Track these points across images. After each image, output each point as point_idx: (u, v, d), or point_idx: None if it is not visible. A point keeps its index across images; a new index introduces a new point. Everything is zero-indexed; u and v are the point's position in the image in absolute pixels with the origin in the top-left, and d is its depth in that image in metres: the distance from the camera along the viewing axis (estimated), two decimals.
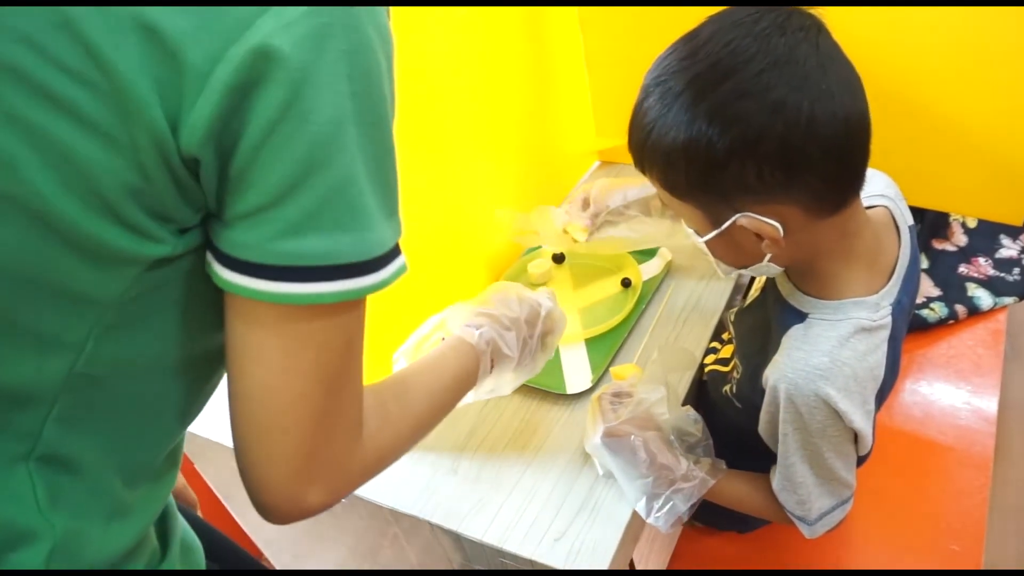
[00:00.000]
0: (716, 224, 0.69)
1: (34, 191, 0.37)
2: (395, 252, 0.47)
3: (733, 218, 0.67)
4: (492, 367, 0.75)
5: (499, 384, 0.79)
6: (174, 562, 0.55)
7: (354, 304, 0.46)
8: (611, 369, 0.94)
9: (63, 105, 0.36)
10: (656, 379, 0.85)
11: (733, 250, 0.72)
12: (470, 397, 0.75)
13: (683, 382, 0.97)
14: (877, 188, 0.80)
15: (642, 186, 1.13)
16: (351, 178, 0.42)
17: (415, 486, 0.90)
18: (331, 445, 0.48)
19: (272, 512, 0.48)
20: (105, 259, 0.40)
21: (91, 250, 0.39)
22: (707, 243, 0.73)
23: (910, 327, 0.98)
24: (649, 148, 0.67)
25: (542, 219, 1.15)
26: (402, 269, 0.48)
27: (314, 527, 1.10)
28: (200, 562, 0.60)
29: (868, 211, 0.76)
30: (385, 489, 0.90)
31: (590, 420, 0.85)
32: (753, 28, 0.62)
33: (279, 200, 0.40)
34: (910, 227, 0.79)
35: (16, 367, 0.41)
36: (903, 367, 1.17)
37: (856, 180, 0.67)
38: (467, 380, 0.71)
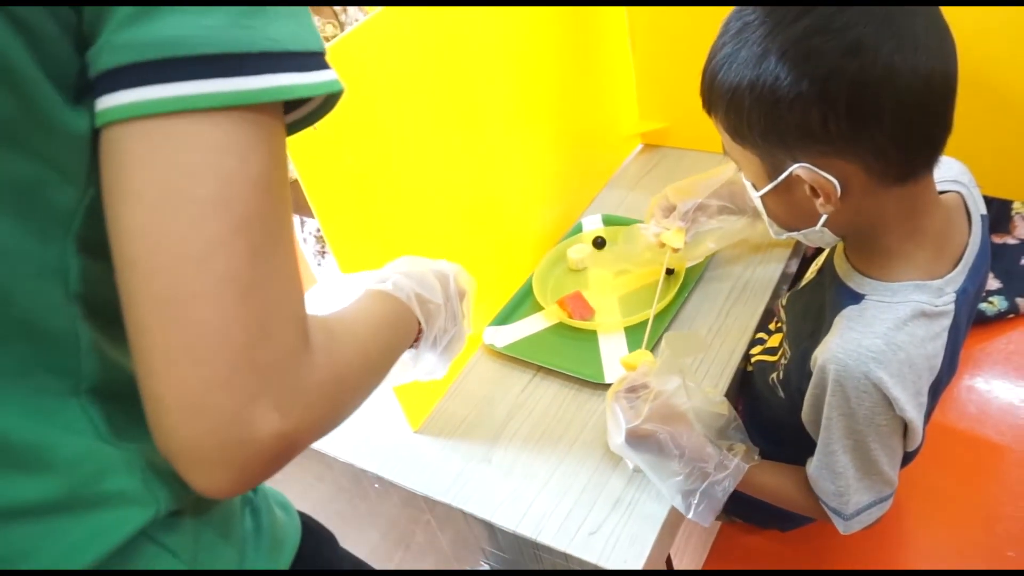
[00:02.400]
0: (774, 175, 0.66)
1: None
2: (306, 58, 0.36)
3: (791, 168, 0.64)
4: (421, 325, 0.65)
5: (431, 358, 0.70)
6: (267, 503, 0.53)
7: (255, 120, 0.34)
8: (620, 360, 0.90)
9: None
10: (670, 368, 0.82)
11: (788, 207, 0.69)
12: (408, 373, 0.69)
13: (724, 375, 0.94)
14: (951, 173, 0.76)
15: (713, 178, 1.06)
16: None
17: (449, 474, 0.88)
18: (273, 338, 0.35)
19: (202, 451, 0.34)
20: (34, 151, 0.35)
21: (23, 143, 0.34)
22: (763, 199, 0.70)
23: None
24: (717, 85, 0.65)
25: (633, 241, 1.07)
26: (326, 86, 0.37)
27: (347, 509, 1.09)
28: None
29: (941, 195, 0.72)
30: (419, 476, 0.89)
31: (610, 419, 0.82)
32: None
33: None
34: (982, 216, 0.74)
35: (20, 297, 0.37)
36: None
37: (930, 149, 0.63)
38: (399, 319, 0.60)
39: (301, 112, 0.40)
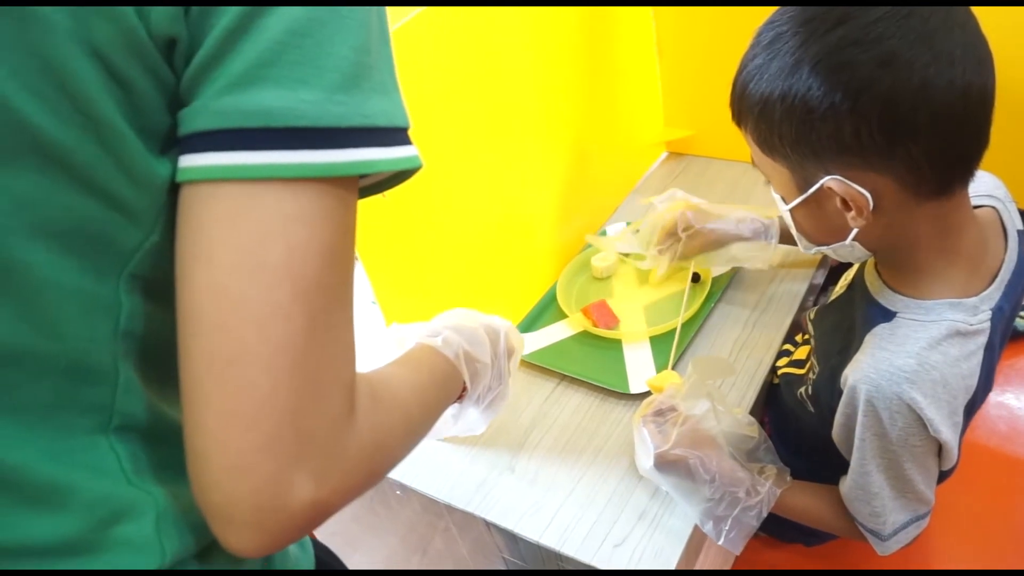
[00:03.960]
0: (804, 188, 0.65)
1: (26, 123, 0.32)
2: (392, 133, 0.37)
3: (822, 180, 0.63)
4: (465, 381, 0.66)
5: (473, 415, 0.71)
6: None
7: (332, 192, 0.35)
8: (647, 381, 0.90)
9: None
10: (697, 392, 0.81)
11: (818, 220, 0.68)
12: (448, 429, 0.69)
13: (751, 387, 0.93)
14: (985, 188, 0.74)
15: (734, 220, 1.03)
16: (315, 20, 0.34)
17: (472, 482, 0.88)
18: (320, 407, 0.36)
19: (238, 510, 0.35)
20: (108, 195, 0.36)
21: (98, 187, 0.35)
22: (792, 213, 0.69)
23: None
24: (747, 96, 0.64)
25: (651, 227, 1.05)
26: (406, 162, 0.38)
27: (367, 515, 1.09)
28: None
29: (975, 210, 0.71)
30: (441, 484, 0.88)
31: (638, 443, 0.81)
32: None
33: (223, 50, 0.33)
34: (1019, 231, 0.73)
35: (68, 332, 0.38)
36: None
37: (965, 165, 0.62)
38: (445, 380, 0.62)
39: (375, 178, 0.41)
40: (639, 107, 1.31)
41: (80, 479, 0.39)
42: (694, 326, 1.00)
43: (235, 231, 0.34)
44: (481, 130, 0.91)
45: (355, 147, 0.36)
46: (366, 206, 0.75)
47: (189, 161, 0.35)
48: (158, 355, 0.40)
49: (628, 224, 1.21)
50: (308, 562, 0.58)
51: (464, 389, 0.64)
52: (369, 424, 0.40)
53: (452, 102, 0.85)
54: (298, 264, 0.34)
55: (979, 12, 0.89)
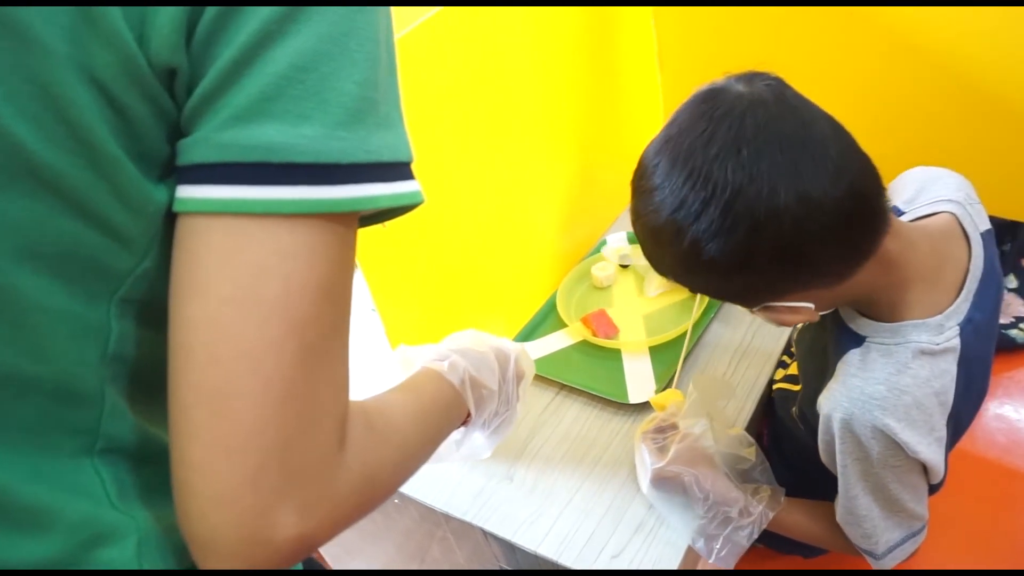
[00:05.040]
0: (746, 306, 0.68)
1: (20, 147, 0.32)
2: (394, 168, 0.37)
3: (759, 307, 0.66)
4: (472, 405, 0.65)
5: (479, 439, 0.70)
6: None
7: (330, 228, 0.35)
8: (650, 399, 0.90)
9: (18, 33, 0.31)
10: (697, 411, 0.81)
11: (775, 317, 0.68)
12: (452, 454, 0.68)
13: (750, 399, 0.92)
14: (942, 192, 0.73)
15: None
16: (321, 55, 0.34)
17: (469, 491, 0.88)
18: (307, 442, 0.35)
19: (222, 542, 0.34)
20: (101, 221, 0.35)
21: (92, 213, 0.35)
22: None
23: (996, 347, 0.91)
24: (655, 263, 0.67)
25: None
26: (408, 197, 0.38)
27: (365, 523, 1.09)
28: None
29: (926, 220, 0.71)
30: (439, 492, 0.88)
31: (638, 460, 0.81)
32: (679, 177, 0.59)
33: (226, 83, 0.33)
34: (984, 232, 0.72)
35: (55, 355, 0.37)
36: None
37: (871, 236, 0.61)
38: (448, 407, 0.61)
39: (376, 209, 0.40)
40: (640, 115, 1.31)
41: (63, 501, 0.39)
42: (694, 335, 1.00)
43: (230, 265, 0.34)
44: (482, 137, 0.91)
45: (356, 183, 0.35)
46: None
47: (187, 192, 0.35)
48: (147, 377, 0.40)
49: (628, 234, 1.21)
50: None
51: (468, 415, 0.63)
52: (361, 458, 0.40)
53: (454, 109, 0.85)
54: (293, 300, 0.34)
55: (979, 12, 0.89)
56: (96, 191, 0.35)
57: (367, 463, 0.40)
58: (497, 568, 0.92)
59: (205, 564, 0.36)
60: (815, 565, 0.99)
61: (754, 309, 0.67)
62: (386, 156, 0.37)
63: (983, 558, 0.98)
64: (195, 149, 0.34)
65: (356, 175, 0.35)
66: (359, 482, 0.39)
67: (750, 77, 0.60)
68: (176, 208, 0.35)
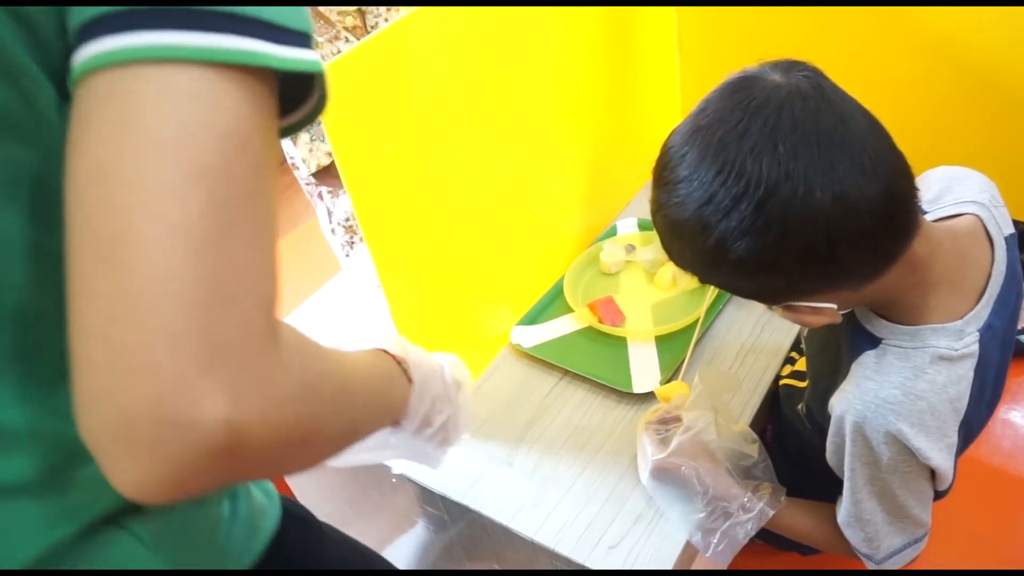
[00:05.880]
0: (768, 304, 0.68)
1: None
2: (289, 33, 0.34)
3: (780, 306, 0.65)
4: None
5: (429, 433, 0.62)
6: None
7: (239, 83, 0.32)
8: (655, 391, 0.88)
9: None
10: (702, 404, 0.80)
11: (797, 317, 0.66)
12: (403, 451, 0.64)
13: (756, 393, 0.91)
14: (967, 193, 0.71)
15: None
16: None
17: (468, 475, 0.87)
18: (230, 312, 0.30)
19: (133, 425, 0.29)
20: (40, 144, 0.35)
21: (27, 136, 0.34)
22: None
23: None
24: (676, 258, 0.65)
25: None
26: (303, 64, 0.34)
27: (361, 496, 1.08)
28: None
29: (951, 221, 0.69)
30: (437, 474, 0.87)
31: (639, 451, 0.80)
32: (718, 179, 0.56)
33: None
34: (1008, 236, 0.70)
35: (20, 280, 0.37)
36: None
37: (898, 243, 0.60)
38: (388, 371, 0.55)
39: (297, 116, 0.38)
40: (656, 102, 1.29)
41: (43, 423, 0.39)
42: (702, 329, 0.99)
43: (121, 108, 0.30)
44: (493, 120, 0.89)
45: (237, 34, 0.32)
46: (375, 188, 0.74)
47: (72, 64, 0.31)
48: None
49: (639, 220, 1.20)
50: (275, 511, 0.57)
51: (406, 409, 0.58)
52: (298, 360, 0.34)
53: (464, 91, 0.83)
54: (191, 143, 0.30)
55: (979, 12, 0.87)
56: (25, 112, 0.35)
57: (306, 369, 0.35)
58: (493, 553, 0.91)
59: (111, 466, 0.30)
60: (812, 563, 0.99)
61: (774, 307, 0.65)
62: (279, 19, 0.33)
63: (986, 563, 0.97)
64: (76, 17, 0.31)
65: (235, 27, 0.32)
66: (299, 385, 0.34)
67: (787, 66, 0.57)
68: (70, 88, 0.32)
